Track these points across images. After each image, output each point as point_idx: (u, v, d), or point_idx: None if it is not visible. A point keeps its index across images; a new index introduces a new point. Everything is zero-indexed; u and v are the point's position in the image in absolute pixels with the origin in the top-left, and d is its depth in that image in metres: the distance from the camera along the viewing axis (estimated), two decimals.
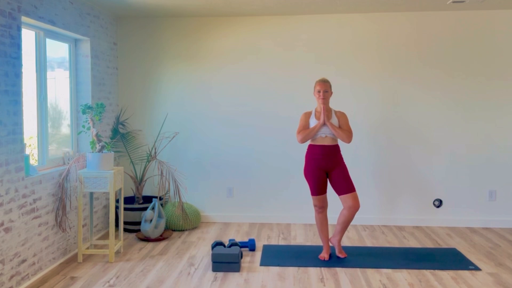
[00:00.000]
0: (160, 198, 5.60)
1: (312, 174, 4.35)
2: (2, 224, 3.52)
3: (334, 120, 4.37)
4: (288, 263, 4.36)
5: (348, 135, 4.32)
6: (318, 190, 4.37)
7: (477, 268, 4.22)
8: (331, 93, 4.37)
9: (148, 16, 5.75)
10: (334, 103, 5.55)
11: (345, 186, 4.33)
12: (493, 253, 4.66)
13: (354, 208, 4.31)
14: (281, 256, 4.56)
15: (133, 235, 5.37)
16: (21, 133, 3.77)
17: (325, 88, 4.32)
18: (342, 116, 4.42)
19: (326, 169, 4.37)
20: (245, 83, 5.78)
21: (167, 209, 5.54)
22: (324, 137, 4.34)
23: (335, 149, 4.37)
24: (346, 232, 5.39)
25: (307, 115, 4.44)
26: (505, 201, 5.61)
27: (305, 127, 4.42)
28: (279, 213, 5.85)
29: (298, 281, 3.96)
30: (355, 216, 5.73)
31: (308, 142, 4.46)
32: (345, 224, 4.40)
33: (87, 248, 4.61)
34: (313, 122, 4.37)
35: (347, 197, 4.32)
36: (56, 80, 4.78)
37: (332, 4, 5.11)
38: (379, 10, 5.47)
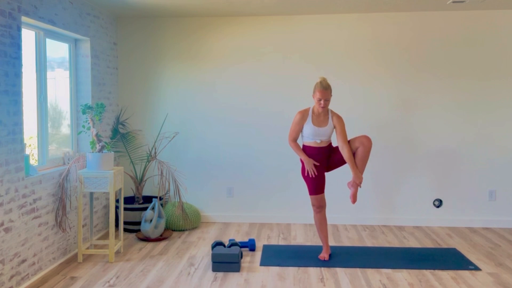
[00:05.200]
0: (160, 198, 5.60)
1: (310, 174, 4.35)
2: (2, 224, 3.52)
3: (329, 124, 4.32)
4: (288, 263, 4.36)
5: (350, 150, 4.30)
6: (316, 189, 4.37)
7: (477, 268, 4.22)
8: (331, 96, 4.30)
9: (148, 16, 5.75)
10: (334, 103, 5.53)
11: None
12: (493, 253, 4.66)
13: (363, 137, 4.24)
14: (281, 256, 4.56)
15: (133, 235, 5.37)
16: (21, 133, 3.77)
17: (326, 97, 4.22)
18: (338, 121, 4.32)
19: (324, 163, 4.37)
20: (245, 83, 5.78)
21: (167, 209, 5.54)
22: (319, 142, 4.34)
23: (329, 146, 4.41)
24: (346, 232, 5.40)
25: (303, 116, 4.33)
26: (505, 201, 5.61)
27: (298, 132, 4.38)
28: (279, 213, 5.85)
29: (298, 281, 3.96)
30: (356, 216, 5.74)
31: (303, 143, 4.44)
32: (364, 159, 4.29)
33: (87, 248, 4.61)
34: (308, 127, 4.30)
35: (352, 140, 4.29)
36: (56, 80, 4.77)
37: (332, 4, 5.11)
38: (379, 10, 5.47)
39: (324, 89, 4.22)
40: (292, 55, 5.71)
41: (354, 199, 4.36)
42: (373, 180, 5.71)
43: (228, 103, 5.81)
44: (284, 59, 5.73)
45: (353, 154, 4.31)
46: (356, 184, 4.31)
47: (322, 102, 4.24)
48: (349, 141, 4.31)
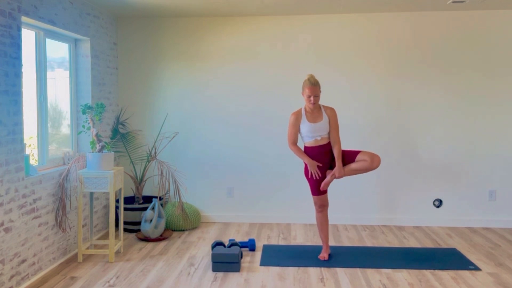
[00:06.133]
0: (160, 198, 5.60)
1: (314, 176, 4.34)
2: (2, 224, 3.52)
3: (325, 118, 4.33)
4: (288, 263, 4.36)
5: (340, 147, 4.34)
6: (319, 190, 4.36)
7: (477, 268, 4.22)
8: (320, 91, 4.30)
9: (148, 16, 5.75)
10: (335, 103, 5.52)
11: (352, 154, 4.32)
12: (493, 253, 4.66)
13: (376, 156, 4.21)
14: (281, 256, 4.56)
15: (133, 235, 5.37)
16: (21, 133, 3.77)
17: (315, 93, 4.23)
18: (332, 115, 4.34)
19: (326, 164, 4.36)
20: (245, 83, 5.78)
21: (167, 209, 5.54)
22: (320, 139, 4.33)
23: (330, 145, 4.38)
24: (346, 232, 5.40)
25: (298, 117, 4.33)
26: (505, 201, 5.61)
27: (296, 134, 4.36)
28: (279, 213, 5.85)
29: (298, 281, 3.96)
30: (356, 216, 5.73)
31: (304, 144, 4.43)
32: (358, 172, 4.30)
33: (87, 248, 4.61)
34: (304, 126, 4.30)
35: (360, 156, 4.26)
36: (56, 80, 4.78)
37: (332, 4, 5.11)
38: (379, 10, 5.47)
39: (313, 86, 4.23)
40: (292, 56, 5.71)
41: (325, 186, 4.34)
42: (373, 180, 5.71)
43: (228, 103, 5.81)
44: (284, 59, 5.72)
45: (355, 161, 4.30)
46: (334, 176, 4.31)
47: (312, 98, 4.25)
48: (360, 152, 4.30)
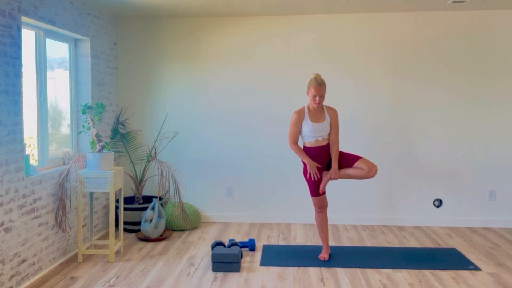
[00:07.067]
0: (160, 198, 5.60)
1: (312, 176, 4.33)
2: (2, 224, 3.52)
3: (327, 118, 4.31)
4: (288, 263, 4.36)
5: (338, 148, 4.34)
6: (317, 191, 4.36)
7: (477, 268, 4.22)
8: (325, 92, 4.27)
9: (148, 16, 5.75)
10: (336, 103, 5.52)
11: (351, 159, 4.30)
12: (493, 253, 4.66)
13: (373, 167, 4.20)
14: (281, 256, 4.56)
15: (133, 235, 5.37)
16: (21, 133, 3.77)
17: (321, 93, 4.20)
18: (333, 115, 4.33)
19: (325, 165, 4.36)
20: (245, 83, 5.78)
21: (167, 209, 5.54)
22: (320, 140, 4.32)
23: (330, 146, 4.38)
24: (346, 232, 5.40)
25: (300, 116, 4.29)
26: (505, 201, 5.61)
27: (297, 133, 4.33)
28: (279, 213, 5.85)
29: (298, 281, 3.96)
30: (356, 216, 5.74)
31: (304, 144, 4.42)
32: (354, 178, 4.31)
33: (87, 248, 4.61)
34: (306, 124, 4.27)
35: (358, 164, 4.25)
36: (56, 80, 4.78)
37: (333, 4, 5.11)
38: (378, 10, 5.47)
39: (319, 85, 4.19)
40: (292, 56, 5.71)
41: (322, 187, 4.34)
42: (373, 180, 5.71)
43: (228, 103, 5.81)
44: (285, 59, 5.72)
45: (352, 167, 4.30)
46: (330, 177, 4.31)
47: (317, 98, 4.21)
48: (360, 158, 4.28)
